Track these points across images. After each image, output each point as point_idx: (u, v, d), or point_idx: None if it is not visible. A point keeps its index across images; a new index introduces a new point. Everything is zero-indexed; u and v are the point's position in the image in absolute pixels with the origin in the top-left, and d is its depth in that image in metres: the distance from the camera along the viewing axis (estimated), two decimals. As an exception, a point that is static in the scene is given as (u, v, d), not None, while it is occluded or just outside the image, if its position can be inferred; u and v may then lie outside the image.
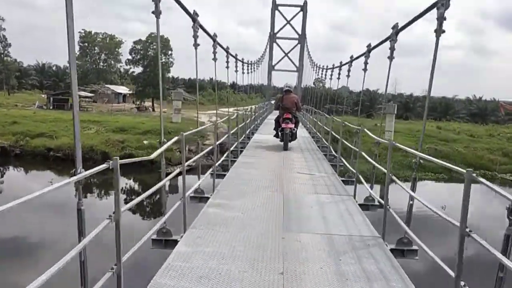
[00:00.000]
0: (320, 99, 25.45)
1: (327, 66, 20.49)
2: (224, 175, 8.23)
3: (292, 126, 11.76)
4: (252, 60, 26.63)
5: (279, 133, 12.16)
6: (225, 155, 9.03)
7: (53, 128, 25.67)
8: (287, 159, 10.50)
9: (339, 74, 14.88)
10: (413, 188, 4.85)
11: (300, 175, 8.55)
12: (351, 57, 11.42)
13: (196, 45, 7.37)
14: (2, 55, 62.87)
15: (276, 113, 13.08)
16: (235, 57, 14.44)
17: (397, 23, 6.82)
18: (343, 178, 8.61)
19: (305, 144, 14.29)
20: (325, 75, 20.31)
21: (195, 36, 7.29)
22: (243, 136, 12.92)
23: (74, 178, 2.49)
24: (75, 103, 2.79)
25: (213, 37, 9.11)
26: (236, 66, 14.81)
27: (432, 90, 5.32)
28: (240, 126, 11.45)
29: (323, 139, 13.53)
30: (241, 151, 11.17)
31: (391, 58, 7.18)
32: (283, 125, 11.68)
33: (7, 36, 62.02)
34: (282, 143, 11.94)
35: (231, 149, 9.55)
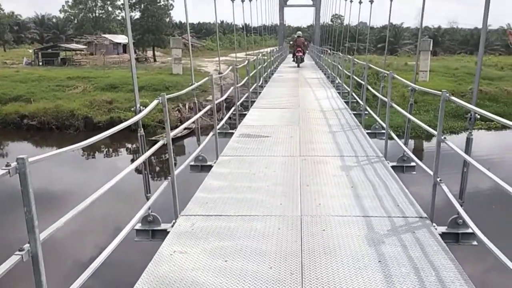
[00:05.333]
0: (339, 38, 23.92)
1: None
2: (232, 133, 7.55)
3: (301, 54, 23.40)
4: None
5: (295, 58, 23.62)
6: (231, 111, 8.27)
7: (32, 89, 22.77)
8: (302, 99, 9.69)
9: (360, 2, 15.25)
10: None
11: (319, 130, 7.81)
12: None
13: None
14: (-8, 9, 60.06)
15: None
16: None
17: None
18: (369, 131, 7.86)
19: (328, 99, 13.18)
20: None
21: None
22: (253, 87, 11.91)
23: None
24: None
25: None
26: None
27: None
28: (250, 75, 10.57)
29: (344, 85, 12.43)
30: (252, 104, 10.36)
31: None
32: (297, 54, 23.27)
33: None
34: (296, 64, 23.33)
35: (238, 103, 8.68)
